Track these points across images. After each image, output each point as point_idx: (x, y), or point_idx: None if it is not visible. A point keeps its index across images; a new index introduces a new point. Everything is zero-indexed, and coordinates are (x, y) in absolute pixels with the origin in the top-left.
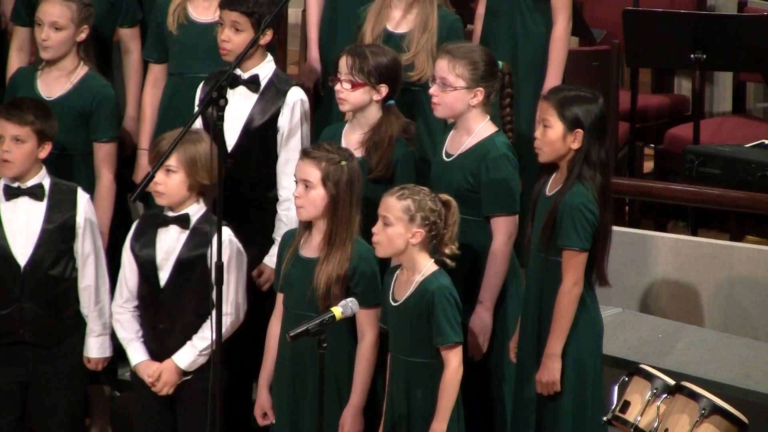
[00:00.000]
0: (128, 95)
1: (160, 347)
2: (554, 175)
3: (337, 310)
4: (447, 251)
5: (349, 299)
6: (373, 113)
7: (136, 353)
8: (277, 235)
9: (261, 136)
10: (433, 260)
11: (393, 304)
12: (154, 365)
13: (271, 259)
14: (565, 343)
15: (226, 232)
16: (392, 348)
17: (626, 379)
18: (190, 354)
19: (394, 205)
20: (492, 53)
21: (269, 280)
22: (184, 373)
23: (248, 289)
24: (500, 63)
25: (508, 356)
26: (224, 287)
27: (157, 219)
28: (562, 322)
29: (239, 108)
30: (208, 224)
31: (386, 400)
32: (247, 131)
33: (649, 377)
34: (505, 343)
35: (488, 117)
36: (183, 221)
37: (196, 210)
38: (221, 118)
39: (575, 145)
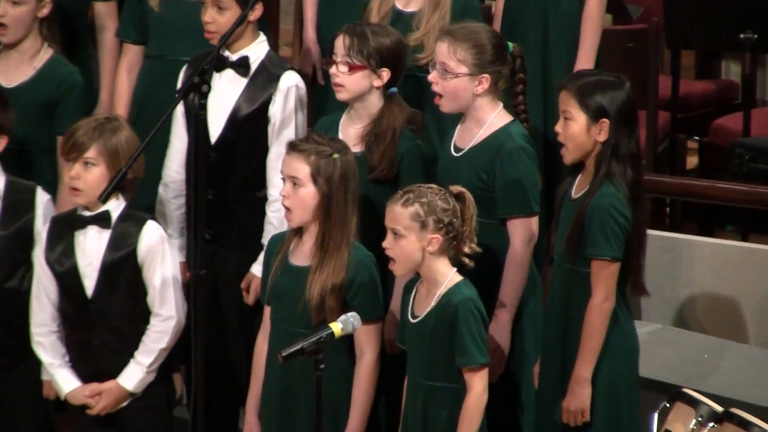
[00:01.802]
0: (102, 79)
1: (93, 366)
2: (580, 175)
3: (336, 326)
4: (466, 249)
5: (350, 314)
6: (374, 102)
7: (67, 380)
8: (266, 240)
9: (249, 127)
10: (455, 270)
11: (412, 321)
12: (92, 385)
13: (259, 268)
14: (595, 365)
15: (151, 225)
16: (410, 370)
17: (667, 405)
18: (137, 373)
19: (400, 214)
20: (501, 35)
21: (258, 292)
22: (130, 394)
23: (233, 302)
24: (510, 45)
25: (527, 380)
26: (157, 285)
27: (72, 221)
28: (592, 341)
29: (225, 94)
30: (130, 220)
31: (400, 428)
32: (234, 121)
33: (693, 403)
34: (524, 365)
35: (501, 105)
36: (103, 220)
37: (115, 207)
38: (204, 106)
39: (601, 138)
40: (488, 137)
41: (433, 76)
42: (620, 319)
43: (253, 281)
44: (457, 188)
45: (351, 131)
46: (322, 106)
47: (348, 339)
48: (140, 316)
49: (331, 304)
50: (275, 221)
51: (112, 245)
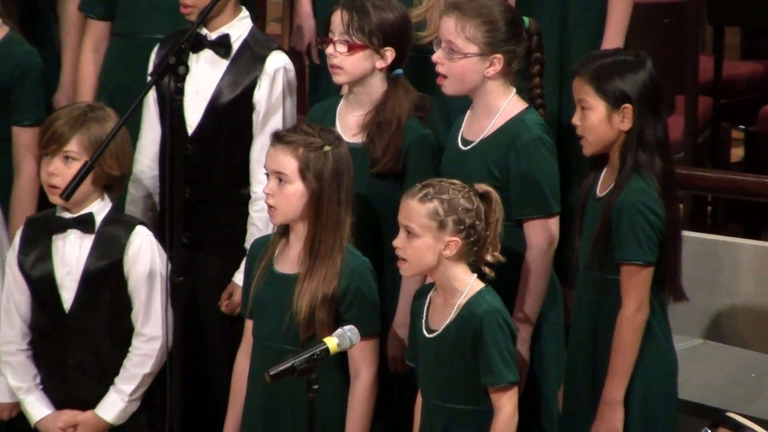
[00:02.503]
0: (64, 59)
1: (69, 391)
2: (605, 170)
3: (332, 342)
4: (488, 257)
5: (347, 327)
6: (376, 86)
7: (37, 407)
8: (249, 245)
9: (231, 115)
10: (476, 276)
11: (427, 335)
12: (66, 413)
13: (242, 277)
14: (628, 385)
15: (141, 231)
16: (426, 392)
17: (708, 431)
18: (118, 403)
19: (416, 210)
20: (516, 9)
21: (239, 304)
22: (109, 426)
23: (214, 315)
24: (526, 20)
25: (546, 404)
26: (144, 299)
27: (50, 223)
28: (624, 358)
29: (204, 78)
30: (116, 224)
31: None
32: (214, 108)
33: (738, 428)
34: (543, 386)
35: (514, 90)
36: (86, 223)
37: (100, 208)
38: (180, 91)
39: (625, 126)
40: (501, 127)
41: (438, 56)
42: (656, 332)
43: (236, 292)
44: (483, 187)
45: (350, 119)
46: (319, 89)
47: (340, 357)
48: (124, 335)
49: (322, 317)
50: (259, 222)
51: (96, 252)
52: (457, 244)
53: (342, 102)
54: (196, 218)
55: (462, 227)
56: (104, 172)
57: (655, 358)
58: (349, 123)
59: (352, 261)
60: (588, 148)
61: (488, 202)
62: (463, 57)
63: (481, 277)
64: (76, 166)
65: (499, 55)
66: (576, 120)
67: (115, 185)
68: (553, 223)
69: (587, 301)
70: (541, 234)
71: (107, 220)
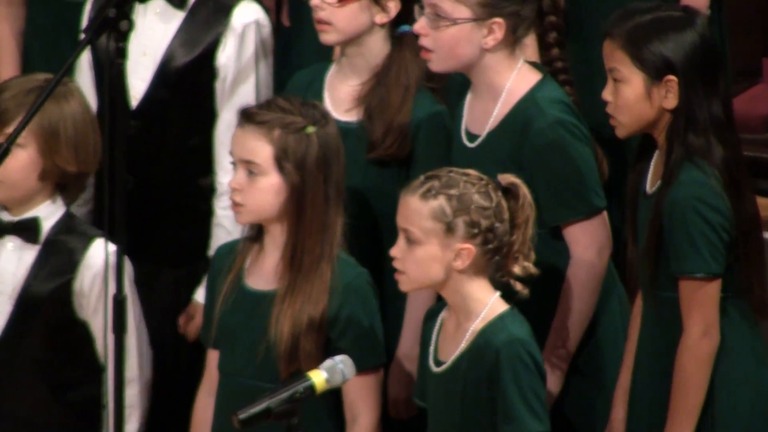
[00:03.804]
0: None
1: None
2: (655, 157)
3: (319, 376)
4: (516, 269)
5: (338, 358)
6: (376, 47)
7: None
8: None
9: (188, 84)
10: (498, 294)
11: (434, 369)
12: None
13: (204, 294)
14: (707, 428)
15: (100, 245)
16: None
17: None
18: None
19: (417, 210)
20: None
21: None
22: None
23: (167, 344)
24: None
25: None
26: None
27: None
28: (687, 397)
29: (153, 36)
30: (70, 234)
31: None
32: (165, 74)
33: None
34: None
35: (520, 61)
36: (28, 230)
37: (50, 212)
38: (122, 53)
39: (669, 103)
40: (510, 112)
41: (420, 26)
42: (748, 359)
43: (197, 314)
44: (507, 178)
45: (342, 90)
46: (284, 59)
47: (332, 397)
48: (72, 379)
49: (308, 346)
50: (227, 222)
51: (39, 268)
52: (470, 252)
53: (332, 69)
54: (142, 217)
55: (476, 231)
56: (56, 167)
57: (751, 395)
58: (341, 95)
59: (345, 273)
60: (621, 130)
61: (514, 199)
62: (452, 24)
63: (510, 296)
64: (19, 156)
65: (498, 20)
66: (607, 94)
67: (72, 185)
68: (600, 224)
69: (650, 327)
70: (585, 240)
71: (58, 227)
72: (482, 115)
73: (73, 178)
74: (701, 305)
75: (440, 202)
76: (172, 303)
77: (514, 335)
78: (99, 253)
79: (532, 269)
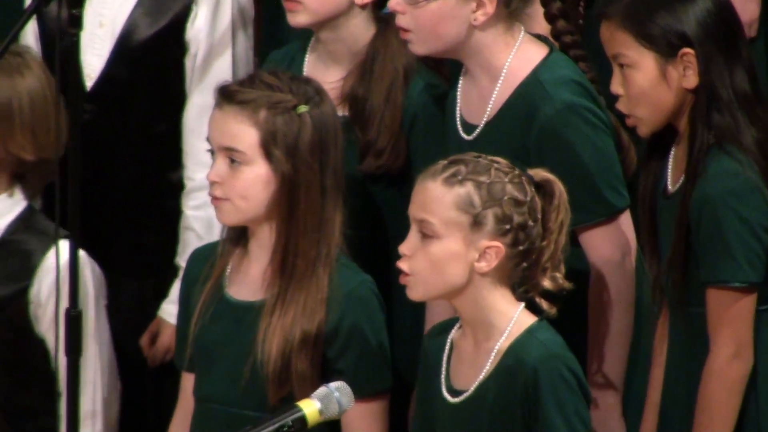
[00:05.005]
0: None
1: None
2: (673, 151)
3: (311, 406)
4: (546, 282)
5: (333, 385)
6: (357, 31)
7: None
8: (183, 260)
9: (153, 60)
10: (523, 305)
11: (449, 399)
12: None
13: (173, 309)
14: None
15: (64, 247)
16: None
17: None
18: None
19: (439, 198)
20: None
21: (170, 348)
22: None
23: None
24: None
25: None
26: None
27: None
28: (711, 424)
29: (111, 3)
30: (28, 233)
31: None
32: (126, 49)
33: None
34: None
35: (521, 34)
36: None
37: (6, 207)
38: (75, 23)
39: (690, 82)
40: (512, 96)
41: (396, 1)
42: None
43: (164, 331)
44: (540, 173)
45: (321, 82)
46: (273, 25)
47: (332, 428)
48: (28, 406)
49: (302, 367)
50: (198, 225)
51: None
52: (499, 252)
53: (308, 57)
54: (99, 218)
55: (508, 227)
56: (10, 154)
57: None
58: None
59: (346, 280)
60: (643, 126)
61: (548, 197)
62: None
63: (534, 310)
64: None
65: None
66: (616, 86)
67: (31, 175)
68: (623, 225)
69: (679, 345)
70: (605, 248)
71: (15, 226)
72: (479, 102)
73: (33, 166)
74: (733, 321)
75: (468, 189)
76: (135, 319)
77: (552, 350)
78: (61, 256)
79: (564, 282)
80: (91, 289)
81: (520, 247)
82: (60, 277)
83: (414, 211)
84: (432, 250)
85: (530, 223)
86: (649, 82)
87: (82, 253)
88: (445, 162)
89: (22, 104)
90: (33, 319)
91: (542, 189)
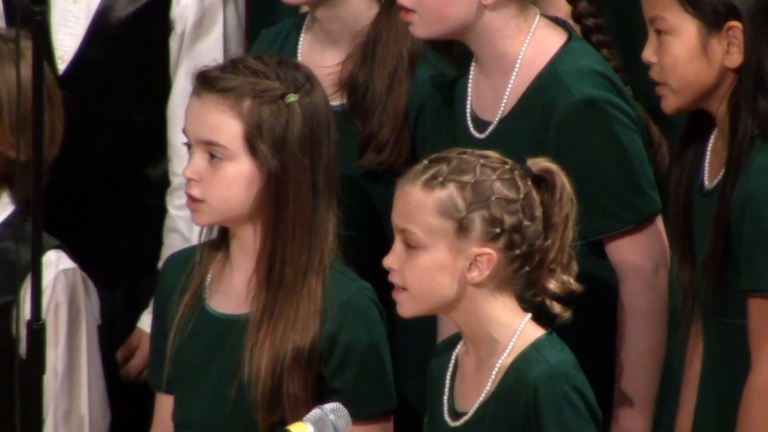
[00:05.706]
0: None
1: None
2: (711, 142)
3: (304, 431)
4: (552, 285)
5: (329, 406)
6: (356, 9)
7: None
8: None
9: (132, 41)
10: (529, 317)
11: (450, 423)
12: None
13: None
14: None
15: (53, 257)
16: None
17: None
18: None
19: (420, 204)
20: None
21: (147, 365)
22: None
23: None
24: None
25: None
26: (60, 371)
27: None
28: None
29: None
30: (19, 243)
31: None
32: (103, 28)
33: None
34: None
35: (536, 18)
36: None
37: None
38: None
39: (733, 61)
40: (528, 91)
41: None
42: None
43: (143, 345)
44: (540, 163)
45: (320, 68)
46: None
47: None
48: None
49: (294, 388)
50: (185, 225)
51: None
52: (490, 259)
53: (303, 38)
54: (70, 217)
55: (498, 230)
56: None
57: None
58: (319, 73)
59: (342, 288)
60: (670, 99)
61: (549, 189)
62: None
63: (542, 319)
64: None
65: None
66: (649, 53)
67: (20, 176)
68: (655, 232)
69: (713, 357)
70: (636, 255)
71: (1, 232)
72: (492, 96)
73: (23, 167)
74: None
75: (449, 191)
76: (110, 332)
77: (555, 367)
78: (50, 269)
79: (574, 285)
80: (85, 309)
81: (517, 251)
82: (43, 294)
83: (395, 219)
84: (417, 261)
85: (526, 222)
86: (687, 52)
87: (77, 269)
88: (426, 162)
89: (10, 98)
90: (20, 336)
91: (543, 181)
